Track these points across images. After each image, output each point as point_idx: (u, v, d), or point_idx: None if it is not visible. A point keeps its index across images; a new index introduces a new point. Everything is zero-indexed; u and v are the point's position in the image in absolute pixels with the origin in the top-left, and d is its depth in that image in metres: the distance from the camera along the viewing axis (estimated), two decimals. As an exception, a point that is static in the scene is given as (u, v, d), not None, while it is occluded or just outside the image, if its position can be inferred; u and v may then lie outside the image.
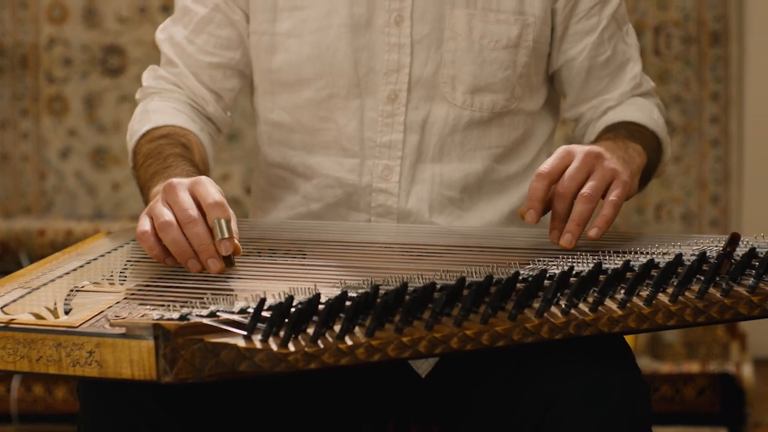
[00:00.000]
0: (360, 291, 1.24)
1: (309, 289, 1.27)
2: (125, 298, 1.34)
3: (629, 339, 1.73)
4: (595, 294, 1.31)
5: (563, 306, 1.30)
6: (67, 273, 1.45)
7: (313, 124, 1.79)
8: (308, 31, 1.76)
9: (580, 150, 1.55)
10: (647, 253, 1.45)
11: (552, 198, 1.55)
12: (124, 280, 1.42)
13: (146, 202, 1.63)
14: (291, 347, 1.20)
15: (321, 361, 1.20)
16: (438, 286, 1.27)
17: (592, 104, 1.85)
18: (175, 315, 1.22)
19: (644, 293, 1.32)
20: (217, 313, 1.22)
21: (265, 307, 1.21)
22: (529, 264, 1.41)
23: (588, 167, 1.54)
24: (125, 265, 1.48)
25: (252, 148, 3.79)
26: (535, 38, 1.78)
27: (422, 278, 1.32)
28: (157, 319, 1.21)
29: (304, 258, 1.51)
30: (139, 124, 1.78)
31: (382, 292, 1.24)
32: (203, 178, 1.47)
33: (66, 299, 1.34)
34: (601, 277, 1.32)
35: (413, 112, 1.77)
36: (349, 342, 1.21)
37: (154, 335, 1.18)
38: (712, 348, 3.37)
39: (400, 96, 1.76)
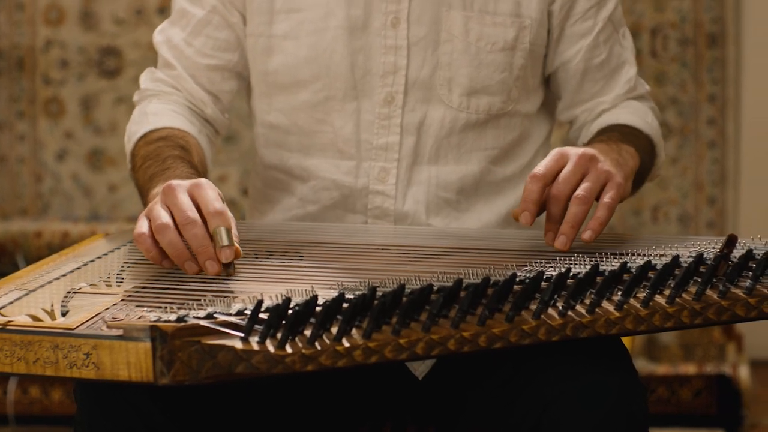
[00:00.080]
0: (357, 293, 1.24)
1: (306, 290, 1.27)
2: (122, 300, 1.34)
3: (626, 341, 1.73)
4: (592, 296, 1.31)
5: (560, 308, 1.30)
6: (64, 275, 1.44)
7: (309, 126, 1.79)
8: (305, 33, 1.76)
9: (574, 152, 1.55)
10: (644, 254, 1.45)
11: (546, 200, 1.55)
12: (121, 282, 1.42)
13: (145, 204, 1.63)
14: (288, 349, 1.20)
15: (318, 363, 1.20)
16: (435, 288, 1.27)
17: (586, 107, 1.85)
18: (172, 317, 1.22)
19: (641, 295, 1.33)
20: (215, 315, 1.22)
21: (262, 309, 1.21)
22: (526, 266, 1.41)
23: (582, 169, 1.54)
24: (122, 266, 1.48)
25: (249, 150, 3.79)
26: (531, 40, 1.78)
27: (419, 280, 1.32)
28: (154, 321, 1.21)
29: (301, 260, 1.51)
30: (138, 126, 1.78)
31: (379, 293, 1.24)
32: (203, 180, 1.47)
33: (63, 301, 1.34)
34: (598, 279, 1.32)
35: (410, 115, 1.77)
36: (346, 344, 1.21)
37: (151, 337, 1.18)
38: (708, 350, 3.37)
39: (397, 98, 1.76)
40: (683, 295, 1.33)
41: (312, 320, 1.21)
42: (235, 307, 1.24)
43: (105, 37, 3.83)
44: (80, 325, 1.25)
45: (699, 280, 1.34)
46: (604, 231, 1.54)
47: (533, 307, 1.29)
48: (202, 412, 1.47)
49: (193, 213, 1.42)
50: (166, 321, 1.21)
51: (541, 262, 1.42)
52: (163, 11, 3.79)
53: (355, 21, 1.75)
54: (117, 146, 3.83)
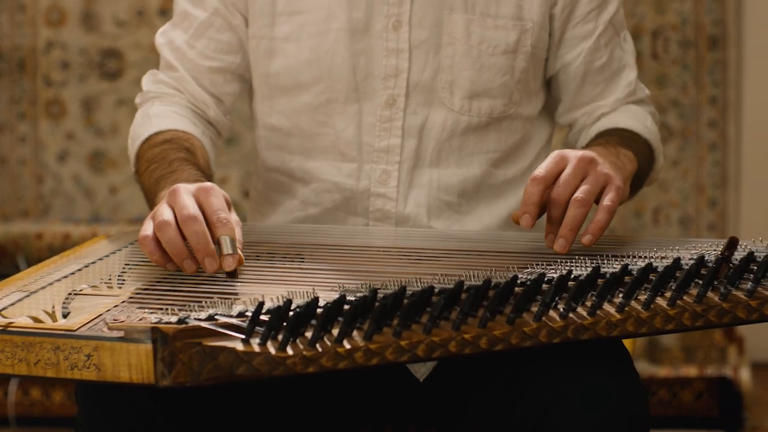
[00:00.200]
0: (358, 295, 1.25)
1: (307, 292, 1.27)
2: (123, 302, 1.34)
3: (627, 343, 1.73)
4: (594, 298, 1.31)
5: (561, 310, 1.30)
6: (66, 276, 1.45)
7: (311, 128, 1.79)
8: (307, 35, 1.76)
9: (573, 155, 1.55)
10: (645, 257, 1.45)
11: (547, 203, 1.55)
12: (123, 284, 1.42)
13: (152, 207, 1.63)
14: (289, 351, 1.20)
15: (319, 365, 1.20)
16: (436, 290, 1.27)
17: (586, 110, 1.85)
18: (174, 318, 1.22)
19: (642, 297, 1.33)
20: (216, 317, 1.22)
21: (264, 311, 1.21)
22: (528, 268, 1.41)
23: (582, 172, 1.54)
24: (124, 268, 1.48)
25: (250, 152, 3.79)
26: (533, 44, 1.78)
27: (420, 282, 1.32)
28: (156, 323, 1.21)
29: (303, 262, 1.51)
30: (141, 128, 1.78)
31: (380, 295, 1.24)
32: (209, 184, 1.47)
33: (64, 303, 1.34)
34: (600, 281, 1.32)
35: (411, 117, 1.77)
36: (347, 346, 1.21)
37: (152, 339, 1.18)
38: (709, 352, 3.37)
39: (398, 101, 1.76)
40: (684, 297, 1.33)
41: (313, 322, 1.21)
42: (237, 308, 1.24)
43: (106, 38, 3.83)
44: (81, 326, 1.25)
45: (700, 282, 1.34)
46: (605, 233, 1.54)
47: (534, 309, 1.29)
48: (203, 413, 1.47)
49: (194, 210, 1.42)
50: (167, 323, 1.21)
51: (543, 264, 1.42)
52: (165, 13, 3.79)
53: (357, 24, 1.75)
54: (118, 148, 3.83)
